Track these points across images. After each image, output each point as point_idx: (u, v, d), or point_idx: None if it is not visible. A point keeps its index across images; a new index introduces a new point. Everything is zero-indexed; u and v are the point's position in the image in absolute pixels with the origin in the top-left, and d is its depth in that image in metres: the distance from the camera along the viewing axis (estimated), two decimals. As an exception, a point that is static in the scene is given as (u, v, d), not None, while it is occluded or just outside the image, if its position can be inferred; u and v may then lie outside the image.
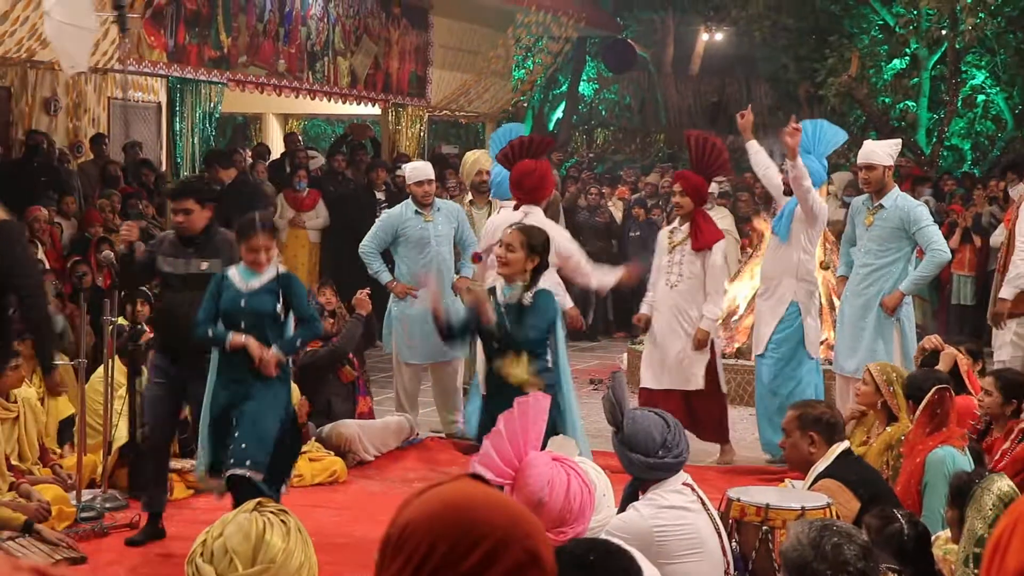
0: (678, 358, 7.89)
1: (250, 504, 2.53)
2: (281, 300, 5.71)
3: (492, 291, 5.73)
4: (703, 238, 7.83)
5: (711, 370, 7.95)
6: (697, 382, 7.91)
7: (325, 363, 8.22)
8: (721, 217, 12.12)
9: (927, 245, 7.62)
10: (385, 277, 8.69)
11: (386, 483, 7.57)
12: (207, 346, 5.75)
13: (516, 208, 7.64)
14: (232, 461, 5.51)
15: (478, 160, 9.39)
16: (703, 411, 7.96)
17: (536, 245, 5.61)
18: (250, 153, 13.83)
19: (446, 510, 1.85)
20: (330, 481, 7.49)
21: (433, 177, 8.91)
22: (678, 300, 7.89)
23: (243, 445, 5.51)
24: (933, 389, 5.30)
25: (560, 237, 7.42)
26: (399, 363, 8.76)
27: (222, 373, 5.73)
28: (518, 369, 5.47)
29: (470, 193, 9.59)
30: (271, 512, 2.47)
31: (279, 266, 5.85)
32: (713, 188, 11.59)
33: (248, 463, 5.49)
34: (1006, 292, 7.69)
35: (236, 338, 5.61)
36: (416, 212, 8.65)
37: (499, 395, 5.34)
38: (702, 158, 7.93)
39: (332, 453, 7.74)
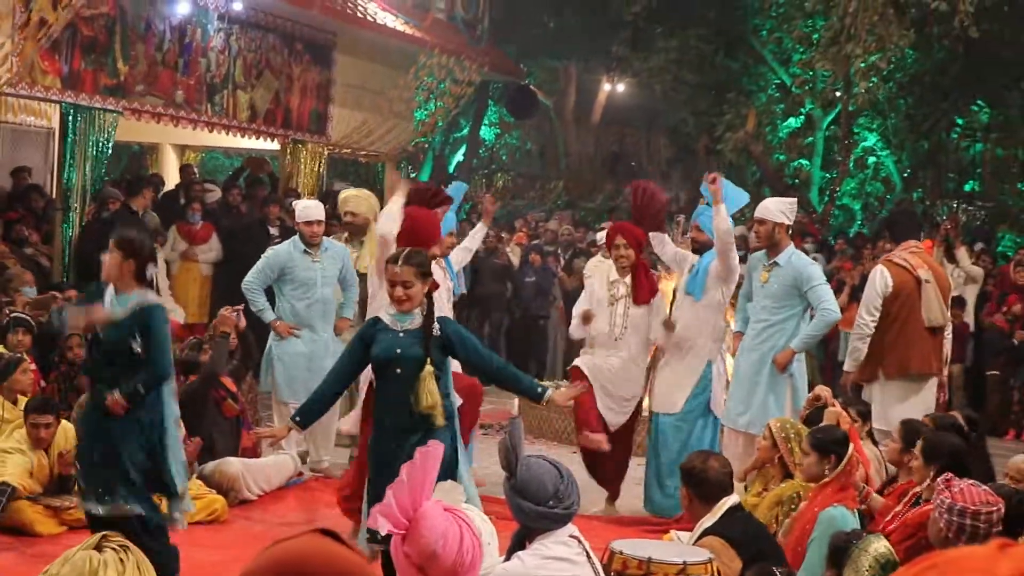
0: (625, 399, 7.98)
1: (94, 539, 2.45)
2: (139, 337, 5.31)
3: (377, 320, 5.55)
4: (644, 293, 7.91)
5: (634, 415, 8.11)
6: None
7: (202, 391, 8.03)
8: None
9: (818, 304, 7.68)
10: (268, 315, 8.60)
11: (267, 524, 7.42)
12: None
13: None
14: (87, 501, 5.42)
15: (346, 200, 9.25)
16: (618, 454, 8.00)
17: (426, 270, 5.43)
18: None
19: (277, 568, 1.83)
20: (210, 520, 7.32)
21: (323, 218, 8.81)
22: (624, 351, 7.95)
23: (95, 484, 5.36)
24: (852, 450, 5.35)
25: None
26: (278, 402, 8.67)
27: (89, 402, 5.62)
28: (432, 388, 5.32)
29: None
30: (112, 548, 2.39)
31: (146, 299, 5.40)
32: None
33: (103, 500, 5.36)
34: (848, 366, 7.97)
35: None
36: (304, 252, 8.60)
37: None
38: (644, 209, 7.97)
39: (214, 491, 7.57)
